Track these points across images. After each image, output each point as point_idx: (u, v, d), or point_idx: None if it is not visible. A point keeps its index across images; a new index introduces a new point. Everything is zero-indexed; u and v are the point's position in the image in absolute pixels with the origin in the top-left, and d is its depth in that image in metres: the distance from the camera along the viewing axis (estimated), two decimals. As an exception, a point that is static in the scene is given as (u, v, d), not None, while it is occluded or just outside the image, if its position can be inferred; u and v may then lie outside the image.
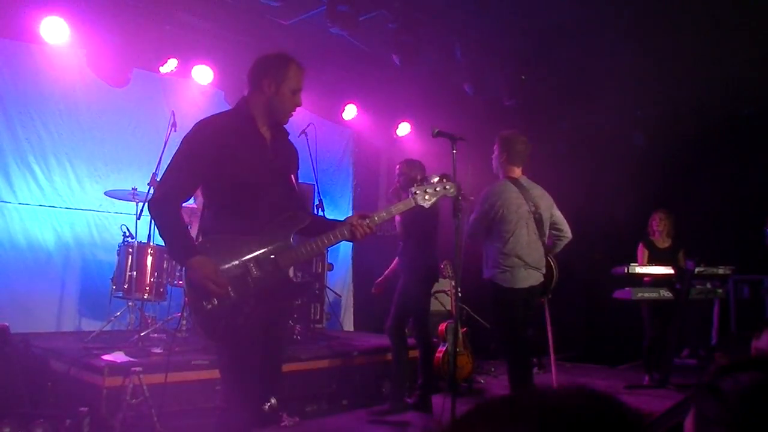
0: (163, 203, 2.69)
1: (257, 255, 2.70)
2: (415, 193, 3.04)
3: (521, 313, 4.46)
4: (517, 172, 4.62)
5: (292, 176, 2.97)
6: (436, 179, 3.18)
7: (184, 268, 2.68)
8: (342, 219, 2.96)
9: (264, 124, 2.85)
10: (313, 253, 2.87)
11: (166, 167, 2.77)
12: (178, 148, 2.75)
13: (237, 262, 2.68)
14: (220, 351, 2.77)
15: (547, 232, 4.63)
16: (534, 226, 4.51)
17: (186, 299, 2.75)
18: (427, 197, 3.05)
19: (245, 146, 2.75)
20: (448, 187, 3.11)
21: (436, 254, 5.45)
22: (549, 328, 5.44)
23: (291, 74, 2.81)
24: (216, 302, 2.63)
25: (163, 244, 2.99)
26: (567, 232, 4.70)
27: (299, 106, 2.88)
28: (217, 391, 4.62)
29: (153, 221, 2.85)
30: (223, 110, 3.00)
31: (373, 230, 2.88)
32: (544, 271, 4.59)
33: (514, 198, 4.50)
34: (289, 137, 3.03)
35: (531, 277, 4.48)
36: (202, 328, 2.72)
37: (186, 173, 2.71)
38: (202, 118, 2.84)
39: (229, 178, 2.69)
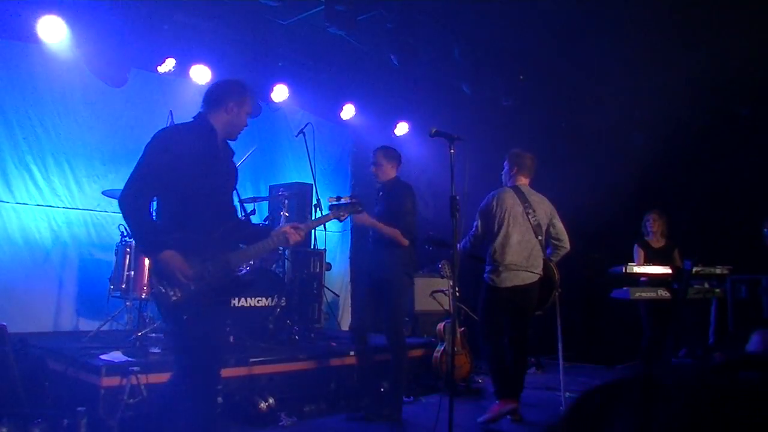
0: (132, 200, 2.99)
1: (212, 254, 3.07)
2: (331, 210, 3.78)
3: (503, 312, 4.69)
4: (523, 181, 4.94)
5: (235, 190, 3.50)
6: (349, 201, 3.97)
7: (152, 261, 3.04)
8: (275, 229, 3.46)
9: (219, 139, 3.26)
10: (258, 254, 3.43)
11: (133, 169, 3.06)
12: (141, 155, 3.07)
13: (195, 259, 3.01)
14: (178, 335, 3.13)
15: (544, 235, 4.83)
16: (529, 228, 4.73)
17: (151, 290, 3.09)
18: (342, 213, 3.78)
19: (204, 157, 3.13)
20: (358, 207, 3.92)
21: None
22: (559, 327, 5.47)
23: (249, 100, 3.32)
24: (179, 294, 2.95)
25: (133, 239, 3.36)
26: (566, 243, 4.89)
27: (246, 127, 3.38)
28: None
29: (124, 217, 3.10)
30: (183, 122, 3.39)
31: (303, 238, 3.42)
32: (538, 272, 4.76)
33: (509, 200, 4.79)
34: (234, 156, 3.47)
35: (516, 278, 4.68)
36: (167, 316, 3.09)
37: (148, 179, 3.02)
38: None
39: (185, 184, 3.04)
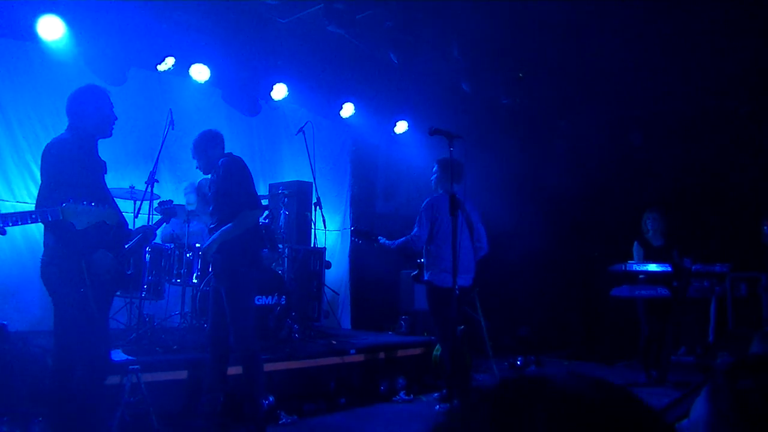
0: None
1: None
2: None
3: (455, 310, 4.85)
4: (454, 187, 5.12)
5: None
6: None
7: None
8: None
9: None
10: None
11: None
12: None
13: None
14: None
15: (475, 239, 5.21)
16: (468, 232, 5.10)
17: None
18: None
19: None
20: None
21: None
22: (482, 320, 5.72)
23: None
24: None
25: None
26: (486, 245, 5.25)
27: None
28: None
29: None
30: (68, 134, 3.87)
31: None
32: (473, 273, 5.12)
33: (453, 206, 4.98)
34: None
35: (462, 279, 4.96)
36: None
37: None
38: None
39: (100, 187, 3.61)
